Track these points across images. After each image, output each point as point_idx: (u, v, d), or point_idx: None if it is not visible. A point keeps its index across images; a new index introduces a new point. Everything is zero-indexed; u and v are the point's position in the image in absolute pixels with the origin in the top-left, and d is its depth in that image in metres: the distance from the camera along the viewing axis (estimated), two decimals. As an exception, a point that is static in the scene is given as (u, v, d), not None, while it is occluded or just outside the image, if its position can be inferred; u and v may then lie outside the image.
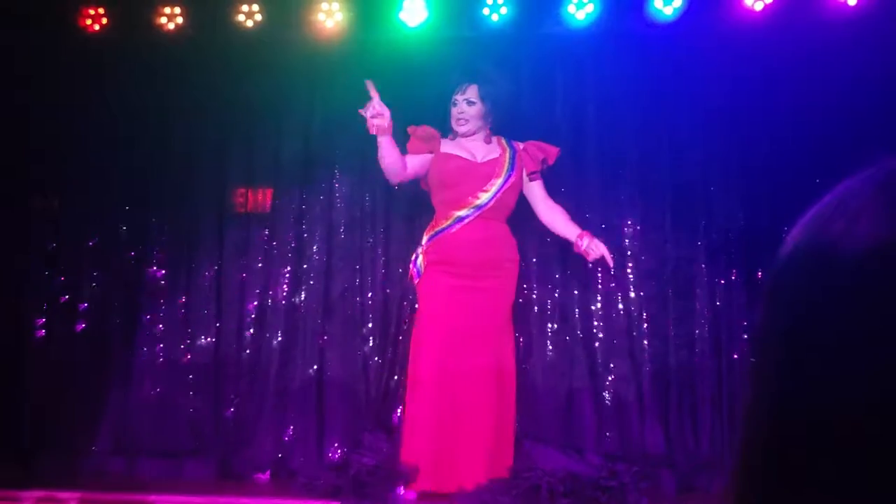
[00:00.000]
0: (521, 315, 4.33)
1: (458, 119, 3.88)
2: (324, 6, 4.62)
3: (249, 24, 4.67)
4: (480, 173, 3.82)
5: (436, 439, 3.65)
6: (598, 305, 4.51)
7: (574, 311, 4.50)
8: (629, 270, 4.52)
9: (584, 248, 3.75)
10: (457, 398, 3.69)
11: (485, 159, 3.87)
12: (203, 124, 4.79)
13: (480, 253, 3.76)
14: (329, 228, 4.71)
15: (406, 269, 4.53)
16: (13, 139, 4.56)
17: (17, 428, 4.46)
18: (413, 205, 4.60)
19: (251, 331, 4.63)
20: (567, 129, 4.58)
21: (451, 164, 3.85)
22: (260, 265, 4.70)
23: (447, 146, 3.92)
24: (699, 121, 4.58)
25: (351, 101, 4.63)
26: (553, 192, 4.19)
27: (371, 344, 4.58)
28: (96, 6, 4.64)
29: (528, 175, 3.93)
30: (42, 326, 4.64)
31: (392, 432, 4.22)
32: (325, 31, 4.66)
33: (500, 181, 3.80)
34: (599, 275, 4.46)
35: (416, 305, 4.13)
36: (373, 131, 3.70)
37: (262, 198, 4.85)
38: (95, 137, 4.72)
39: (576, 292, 4.52)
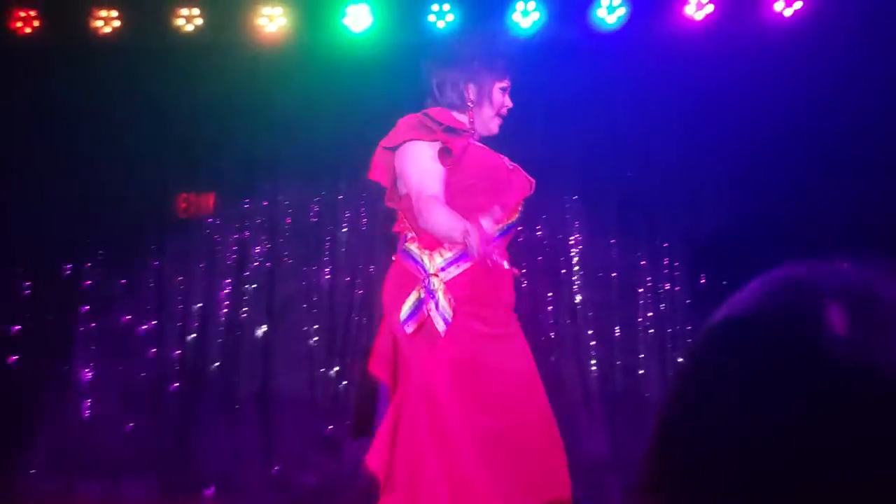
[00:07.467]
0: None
1: (501, 115, 2.67)
2: (265, 10, 4.54)
3: (189, 28, 4.56)
4: (517, 182, 2.63)
5: None
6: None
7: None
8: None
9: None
10: None
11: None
12: (142, 129, 4.66)
13: (511, 288, 2.53)
14: (273, 235, 4.63)
15: (358, 277, 4.49)
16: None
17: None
18: (363, 213, 4.58)
19: (191, 339, 4.53)
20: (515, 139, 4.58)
21: (491, 160, 2.59)
22: (202, 273, 4.59)
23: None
24: (642, 127, 4.62)
25: (294, 104, 4.62)
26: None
27: (318, 355, 4.53)
28: (28, 8, 4.49)
29: None
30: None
31: (337, 448, 4.15)
32: (268, 35, 4.58)
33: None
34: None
35: (415, 365, 2.40)
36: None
37: (205, 202, 4.75)
38: (25, 141, 4.56)
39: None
